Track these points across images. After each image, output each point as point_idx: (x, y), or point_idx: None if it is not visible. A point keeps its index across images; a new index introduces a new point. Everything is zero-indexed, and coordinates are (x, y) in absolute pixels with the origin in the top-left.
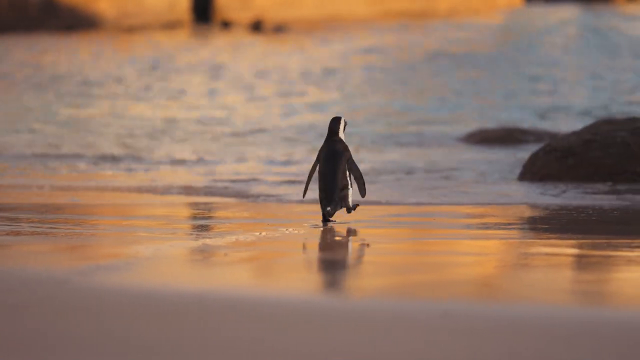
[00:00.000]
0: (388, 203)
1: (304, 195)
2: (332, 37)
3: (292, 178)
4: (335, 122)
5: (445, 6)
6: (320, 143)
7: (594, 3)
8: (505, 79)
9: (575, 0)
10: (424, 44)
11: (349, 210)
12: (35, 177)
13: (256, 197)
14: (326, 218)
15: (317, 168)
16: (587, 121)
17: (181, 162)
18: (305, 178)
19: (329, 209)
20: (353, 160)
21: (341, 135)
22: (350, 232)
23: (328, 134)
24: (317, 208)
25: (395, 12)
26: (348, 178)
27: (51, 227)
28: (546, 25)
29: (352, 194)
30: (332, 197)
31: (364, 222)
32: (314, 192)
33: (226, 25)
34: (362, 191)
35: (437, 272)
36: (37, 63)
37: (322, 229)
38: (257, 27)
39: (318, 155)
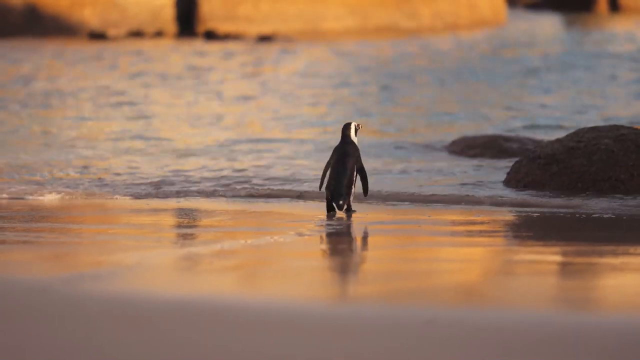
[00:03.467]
0: (372, 210)
1: (320, 188)
2: (315, 47)
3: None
4: (347, 126)
5: (430, 22)
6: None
7: (576, 14)
8: (486, 90)
9: (558, 11)
10: (401, 56)
11: (349, 211)
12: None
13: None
14: (331, 208)
15: (331, 165)
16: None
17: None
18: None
19: (340, 202)
20: (361, 162)
21: (353, 138)
22: (336, 239)
23: (342, 137)
24: (301, 216)
25: (381, 28)
26: (354, 178)
27: (37, 236)
28: (529, 40)
29: (354, 192)
30: (340, 191)
31: (350, 230)
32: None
33: (209, 36)
34: (366, 190)
35: (422, 279)
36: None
37: (306, 236)
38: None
39: (332, 154)
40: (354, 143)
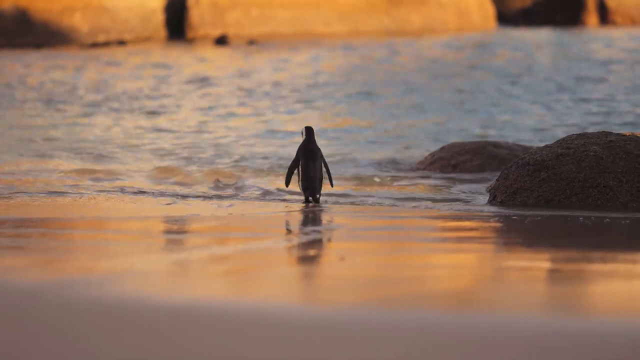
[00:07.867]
0: (361, 216)
1: (287, 185)
2: (301, 51)
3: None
4: (310, 129)
5: (418, 26)
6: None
7: (566, 27)
8: (473, 95)
9: (548, 25)
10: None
11: (318, 200)
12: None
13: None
14: (308, 200)
15: (300, 164)
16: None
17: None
18: (286, 171)
19: (318, 196)
20: (324, 158)
21: (315, 138)
22: (326, 245)
23: (306, 138)
24: (292, 221)
25: (369, 31)
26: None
27: (26, 242)
28: (517, 47)
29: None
30: (317, 186)
31: (339, 236)
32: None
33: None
34: (331, 182)
35: (412, 285)
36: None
37: (297, 242)
38: (221, 41)
39: (297, 154)
40: (315, 143)
